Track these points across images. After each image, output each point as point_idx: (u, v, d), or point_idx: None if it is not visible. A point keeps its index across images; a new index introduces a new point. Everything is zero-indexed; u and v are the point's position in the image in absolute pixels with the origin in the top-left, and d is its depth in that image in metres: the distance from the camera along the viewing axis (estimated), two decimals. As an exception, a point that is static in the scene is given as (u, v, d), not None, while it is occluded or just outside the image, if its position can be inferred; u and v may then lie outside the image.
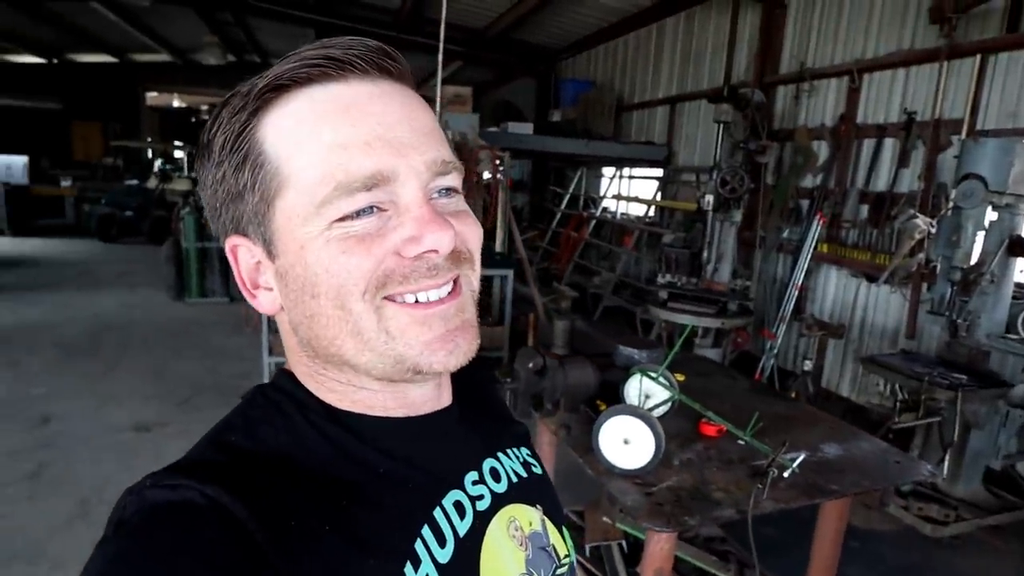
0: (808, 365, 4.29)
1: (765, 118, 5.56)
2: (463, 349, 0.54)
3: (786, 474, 1.84)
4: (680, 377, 2.79)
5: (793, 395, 4.45)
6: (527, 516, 0.65)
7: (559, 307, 5.35)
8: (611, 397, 2.31)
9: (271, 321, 4.86)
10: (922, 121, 4.61)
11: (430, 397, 0.61)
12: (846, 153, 5.20)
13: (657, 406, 2.09)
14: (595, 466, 1.89)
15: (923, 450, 3.54)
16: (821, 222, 5.15)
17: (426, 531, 0.54)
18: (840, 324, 4.92)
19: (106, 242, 11.55)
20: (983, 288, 3.39)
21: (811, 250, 5.20)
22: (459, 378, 0.65)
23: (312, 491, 0.50)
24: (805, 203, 5.55)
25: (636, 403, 2.18)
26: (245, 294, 0.56)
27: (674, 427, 2.18)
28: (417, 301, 0.52)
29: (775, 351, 5.36)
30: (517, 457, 0.70)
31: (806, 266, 5.24)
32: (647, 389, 2.17)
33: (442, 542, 0.54)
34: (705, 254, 4.95)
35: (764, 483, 1.71)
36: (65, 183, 12.81)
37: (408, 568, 0.51)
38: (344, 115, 0.50)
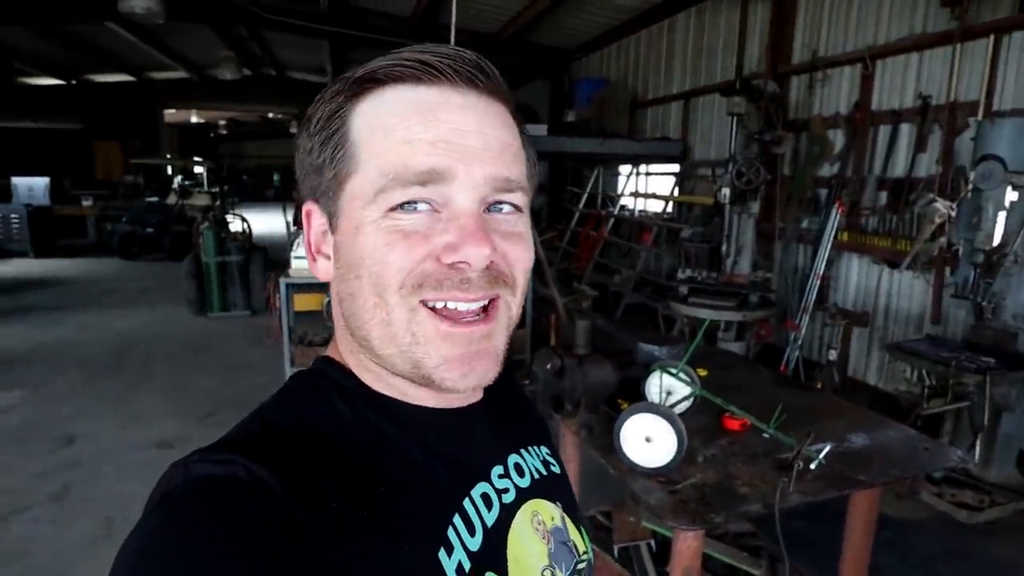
0: (833, 355, 4.25)
1: (780, 109, 5.51)
2: (478, 374, 0.55)
3: (812, 466, 1.83)
4: (702, 372, 2.79)
5: (819, 386, 4.41)
6: (549, 511, 0.66)
7: (580, 307, 5.34)
8: (632, 395, 2.31)
9: (292, 332, 4.94)
10: (937, 105, 4.54)
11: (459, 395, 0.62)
12: (862, 140, 5.14)
13: (679, 402, 2.09)
14: (618, 465, 1.89)
15: (953, 436, 3.48)
16: (840, 210, 5.10)
17: (457, 520, 0.55)
18: (864, 312, 4.86)
19: (127, 260, 11.73)
20: (1007, 269, 3.34)
21: (831, 239, 5.15)
22: None
23: (351, 475, 0.52)
24: (823, 192, 5.49)
25: (657, 400, 2.18)
26: (308, 257, 0.59)
27: (697, 423, 2.17)
28: (447, 307, 0.53)
29: (799, 342, 5.31)
30: (537, 455, 0.71)
31: (827, 255, 5.19)
32: (668, 385, 2.17)
33: (472, 531, 0.56)
34: (724, 247, 4.92)
35: (790, 476, 1.70)
36: (86, 202, 13.02)
37: (442, 554, 0.52)
38: (420, 116, 0.52)
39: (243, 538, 0.43)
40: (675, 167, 7.93)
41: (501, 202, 0.55)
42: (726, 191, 4.72)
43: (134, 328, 7.09)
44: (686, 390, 2.08)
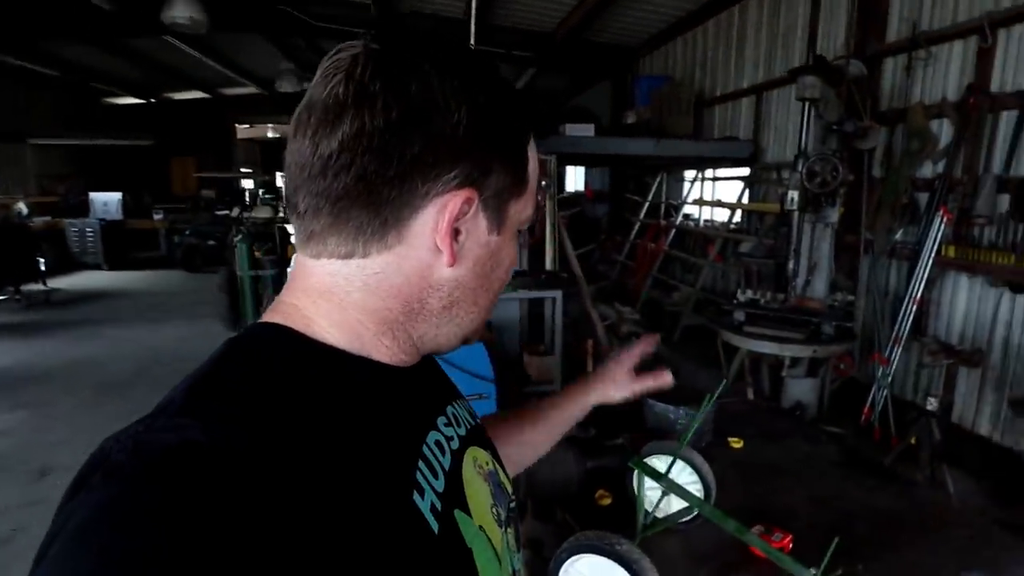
0: (933, 403, 3.30)
1: (868, 95, 4.57)
2: (481, 333, 0.68)
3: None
4: (736, 444, 2.02)
5: (912, 441, 3.47)
6: (484, 457, 0.71)
7: (620, 332, 4.58)
8: (616, 486, 1.60)
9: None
10: (1082, 82, 3.53)
11: None
12: (976, 131, 4.13)
13: (672, 520, 1.35)
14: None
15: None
16: (946, 219, 4.10)
17: (421, 465, 0.57)
18: (976, 349, 3.85)
19: (191, 272, 11.82)
20: None
21: (933, 254, 4.16)
22: None
23: (317, 429, 0.50)
24: (923, 197, 4.50)
25: (651, 503, 1.45)
26: (440, 235, 0.56)
27: (705, 542, 1.44)
28: None
29: (889, 379, 4.34)
30: (464, 407, 0.75)
31: (927, 274, 4.20)
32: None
33: (435, 474, 0.58)
34: (791, 264, 4.02)
35: None
36: (157, 216, 13.28)
37: (416, 496, 0.54)
38: (537, 161, 0.66)
39: (207, 507, 0.40)
40: (744, 171, 7.01)
41: None
42: (793, 195, 3.84)
43: (166, 343, 6.88)
44: (679, 503, 1.35)
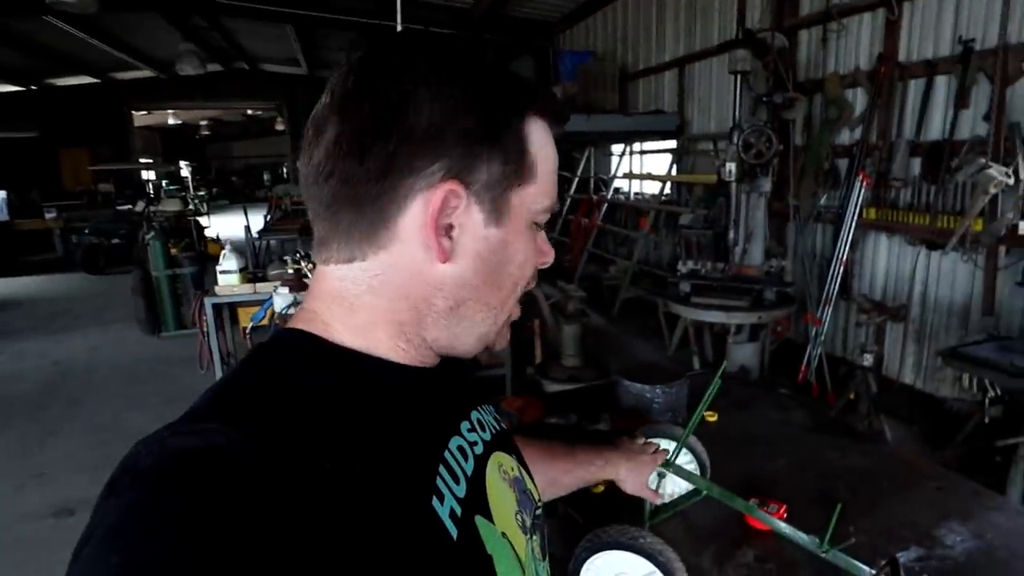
0: (868, 359, 3.49)
1: (789, 67, 4.72)
2: (506, 336, 0.65)
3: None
4: (711, 417, 2.05)
5: (851, 396, 3.66)
6: (509, 462, 0.70)
7: (566, 310, 4.60)
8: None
9: (228, 358, 4.23)
10: (983, 50, 3.76)
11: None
12: (888, 99, 4.35)
13: (677, 504, 1.34)
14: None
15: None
16: (864, 183, 4.33)
17: (442, 470, 0.57)
18: (901, 305, 4.10)
19: (93, 274, 10.96)
20: (1102, 252, 2.57)
21: (855, 217, 4.38)
22: None
23: (339, 434, 0.51)
24: (843, 163, 4.72)
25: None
26: (428, 232, 0.55)
27: (708, 518, 1.44)
28: None
29: (821, 338, 4.57)
30: (488, 412, 0.75)
31: (851, 236, 4.43)
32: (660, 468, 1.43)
33: (456, 480, 0.58)
34: (731, 234, 4.14)
35: None
36: (50, 215, 12.22)
37: (435, 502, 0.53)
38: (553, 150, 0.62)
39: (227, 514, 0.40)
40: (672, 143, 7.14)
41: None
42: (731, 167, 3.94)
43: (75, 355, 6.34)
44: (685, 485, 1.34)
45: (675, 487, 1.45)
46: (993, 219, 3.52)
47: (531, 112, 0.59)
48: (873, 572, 1.08)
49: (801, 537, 1.21)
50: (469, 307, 0.59)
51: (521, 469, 0.73)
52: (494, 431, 0.71)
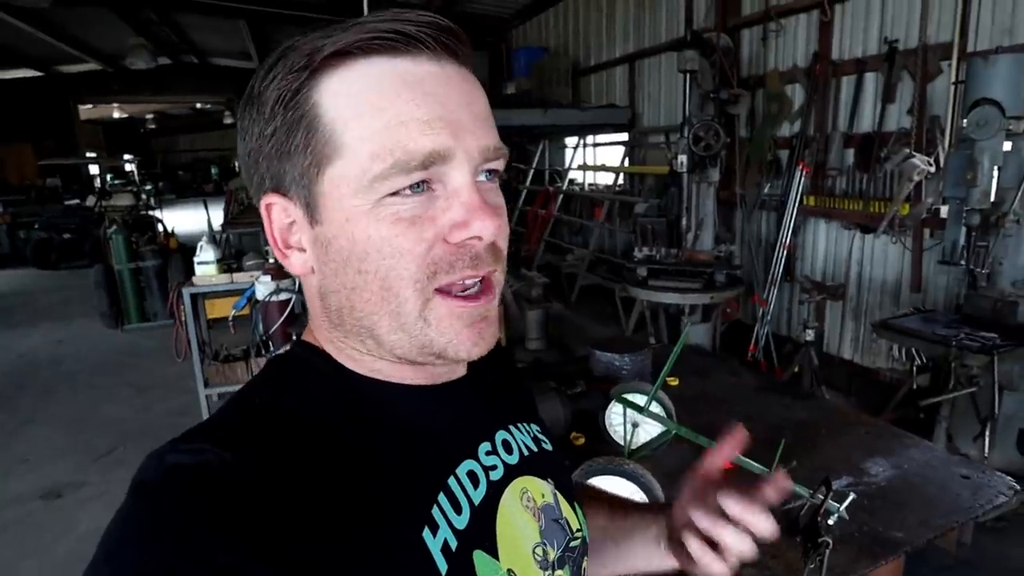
0: (810, 335, 3.83)
1: (733, 65, 5.05)
2: (487, 340, 0.54)
3: (831, 520, 1.36)
4: (673, 381, 2.31)
5: (796, 369, 4.01)
6: (539, 488, 0.64)
7: (530, 296, 4.84)
8: (589, 427, 1.82)
9: (204, 347, 4.31)
10: (906, 49, 4.13)
11: (447, 368, 0.60)
12: (824, 95, 4.71)
13: (652, 447, 1.59)
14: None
15: (951, 421, 3.10)
16: (804, 173, 4.68)
17: (442, 498, 0.53)
18: (839, 284, 4.47)
19: (44, 269, 10.75)
20: (1006, 230, 2.94)
21: (796, 204, 4.74)
22: None
23: (331, 456, 0.49)
24: (784, 154, 5.07)
25: (621, 437, 1.69)
26: (276, 253, 0.55)
27: (672, 462, 1.69)
28: (459, 295, 0.52)
29: (768, 318, 4.92)
30: (528, 432, 0.69)
31: (792, 222, 4.79)
32: (634, 416, 1.68)
33: (458, 509, 0.54)
34: (684, 221, 4.45)
35: (819, 557, 1.18)
36: (-5, 211, 11.90)
37: (426, 533, 0.51)
38: (407, 92, 0.48)
39: (211, 527, 0.41)
40: (624, 136, 7.44)
41: (489, 170, 0.53)
42: (682, 159, 4.23)
43: (40, 349, 6.31)
44: (657, 428, 1.59)
45: (647, 434, 1.70)
46: (917, 204, 3.89)
47: (328, 66, 0.48)
48: (810, 491, 1.35)
49: (753, 466, 1.48)
50: (363, 317, 0.52)
51: (558, 495, 0.66)
52: (525, 453, 0.65)
